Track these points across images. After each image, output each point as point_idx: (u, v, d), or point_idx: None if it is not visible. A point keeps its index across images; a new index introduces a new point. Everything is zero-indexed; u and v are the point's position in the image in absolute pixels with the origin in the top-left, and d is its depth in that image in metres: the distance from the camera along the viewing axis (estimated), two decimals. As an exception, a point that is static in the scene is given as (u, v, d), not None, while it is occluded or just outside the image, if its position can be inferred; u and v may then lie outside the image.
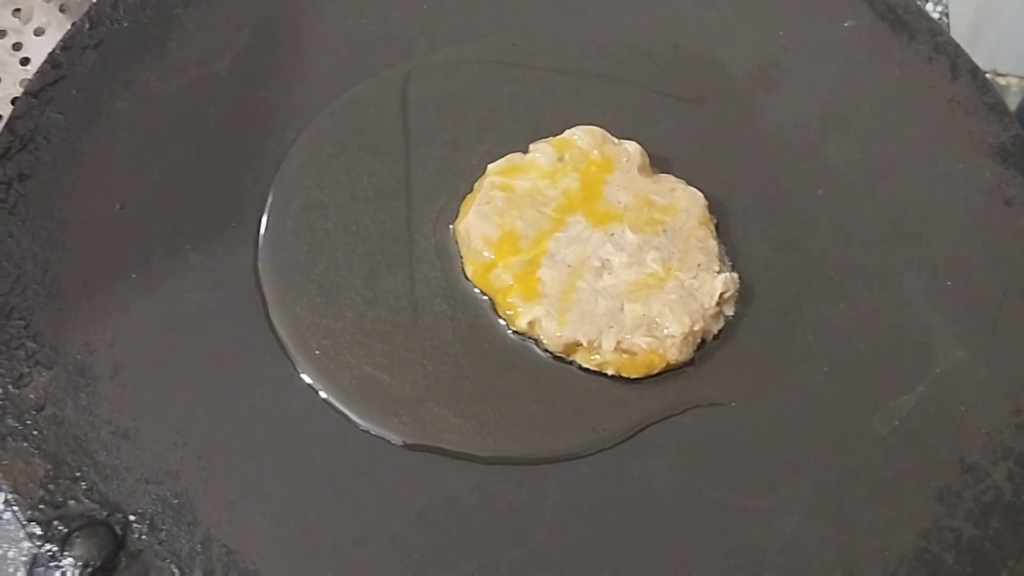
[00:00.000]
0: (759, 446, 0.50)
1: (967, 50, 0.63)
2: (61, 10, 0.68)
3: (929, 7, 0.77)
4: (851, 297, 0.55)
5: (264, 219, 0.55)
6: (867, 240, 0.57)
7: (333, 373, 0.51)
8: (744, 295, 0.54)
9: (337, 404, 0.50)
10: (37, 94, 0.56)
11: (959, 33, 0.76)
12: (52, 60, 0.58)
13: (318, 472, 0.48)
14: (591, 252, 0.53)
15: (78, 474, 0.46)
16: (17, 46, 0.68)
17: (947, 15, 0.78)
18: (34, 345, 0.49)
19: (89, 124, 0.57)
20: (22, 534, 0.51)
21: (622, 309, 0.52)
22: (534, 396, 0.51)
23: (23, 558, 0.51)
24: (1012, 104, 0.73)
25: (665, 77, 0.62)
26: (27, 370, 0.49)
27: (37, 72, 0.57)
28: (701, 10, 0.64)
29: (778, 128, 0.61)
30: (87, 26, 0.59)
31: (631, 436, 0.50)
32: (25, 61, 0.67)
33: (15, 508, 0.45)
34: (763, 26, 0.64)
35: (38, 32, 0.68)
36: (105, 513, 0.45)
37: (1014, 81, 0.81)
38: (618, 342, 0.51)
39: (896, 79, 0.62)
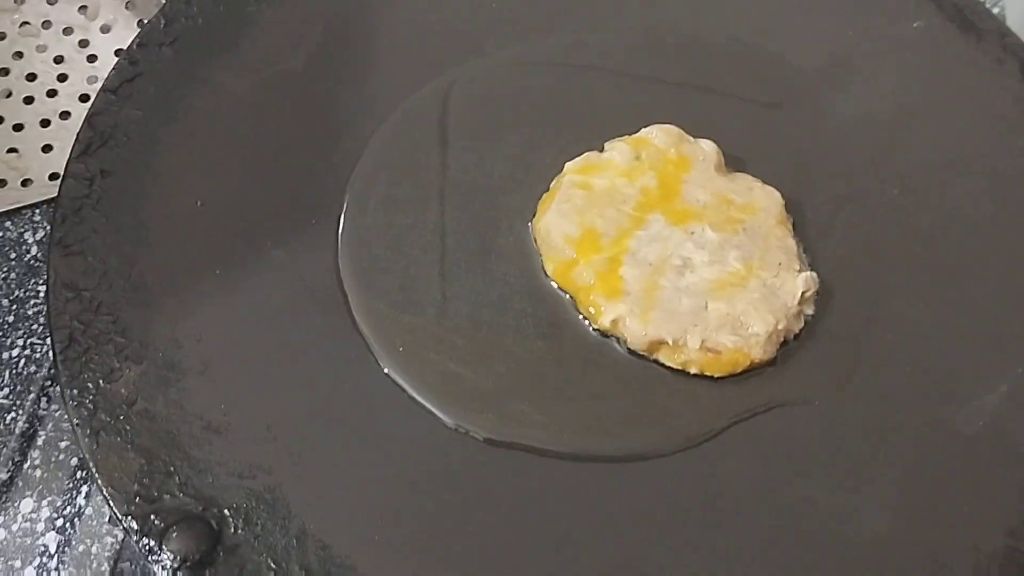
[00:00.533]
0: (843, 444, 0.50)
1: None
2: (127, 7, 0.68)
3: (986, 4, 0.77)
4: (929, 295, 0.55)
5: (343, 216, 0.55)
6: (943, 238, 0.57)
7: (416, 369, 0.51)
8: (822, 294, 0.54)
9: (421, 400, 0.50)
10: (116, 90, 0.57)
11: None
12: (129, 56, 0.58)
13: (405, 466, 0.48)
14: (672, 250, 0.53)
15: (171, 468, 0.46)
16: (84, 43, 0.68)
17: (1004, 16, 0.78)
18: (122, 340, 0.50)
19: (167, 121, 0.57)
20: (104, 529, 0.52)
21: (706, 307, 0.52)
22: (617, 394, 0.51)
23: (106, 553, 0.51)
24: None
25: (734, 76, 0.62)
26: (117, 365, 0.49)
27: (114, 68, 0.58)
28: (769, 9, 0.65)
29: (850, 127, 0.61)
30: (162, 23, 0.59)
31: (715, 435, 0.50)
32: (92, 58, 0.67)
33: (111, 503, 0.45)
34: (832, 25, 0.64)
35: (104, 29, 0.68)
36: (200, 507, 0.45)
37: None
38: (703, 340, 0.51)
39: (966, 79, 0.62)
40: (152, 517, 0.45)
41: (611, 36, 0.63)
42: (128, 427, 0.47)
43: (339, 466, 0.48)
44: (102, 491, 0.46)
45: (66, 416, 0.53)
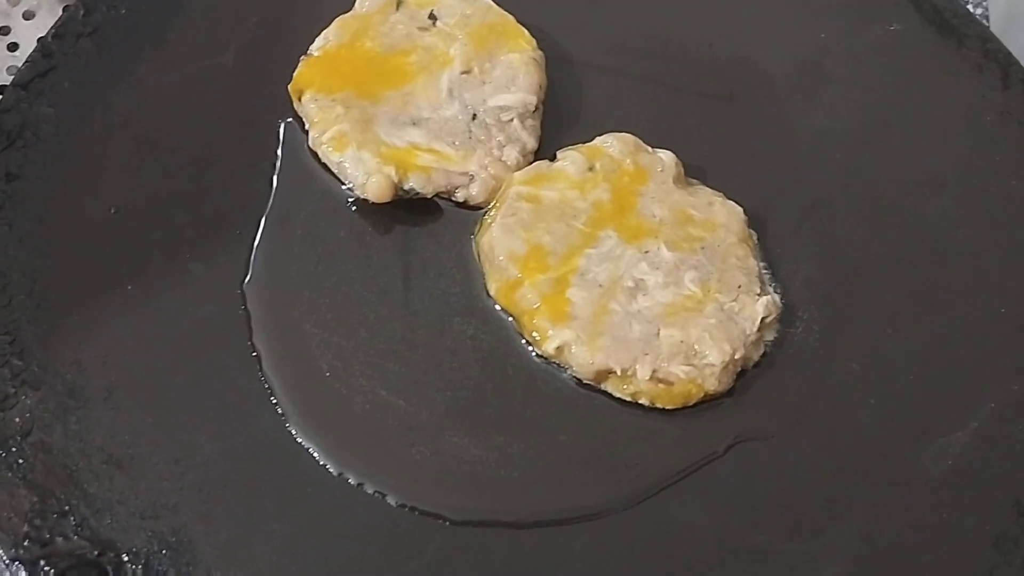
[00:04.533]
0: (803, 484, 0.47)
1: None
2: (53, -8, 0.64)
3: (969, 7, 0.73)
4: (899, 322, 0.51)
5: (264, 225, 0.51)
6: (915, 260, 0.53)
7: (344, 397, 0.47)
8: (784, 318, 0.51)
9: (346, 437, 0.46)
10: (27, 86, 0.52)
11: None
12: (43, 49, 0.54)
13: (325, 510, 0.44)
14: (624, 271, 0.49)
15: (67, 508, 0.43)
16: (4, 30, 0.63)
17: (987, 17, 0.74)
18: (20, 363, 0.46)
19: (82, 120, 0.53)
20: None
21: (658, 334, 0.48)
22: (562, 427, 0.47)
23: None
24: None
25: (700, 79, 0.58)
26: (12, 391, 0.45)
27: (27, 62, 0.53)
28: (739, 9, 0.61)
29: (819, 137, 0.57)
30: (81, 12, 0.55)
31: (668, 485, 0.46)
32: (13, 47, 0.63)
33: (-3, 545, 0.41)
34: (804, 28, 0.60)
35: (27, 15, 0.64)
36: (96, 552, 0.42)
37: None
38: (654, 371, 0.47)
39: (944, 87, 0.59)
40: (42, 563, 0.41)
41: (576, 34, 0.59)
42: (21, 460, 0.43)
43: (253, 507, 0.44)
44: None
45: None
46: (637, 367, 0.47)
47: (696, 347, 0.48)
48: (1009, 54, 0.59)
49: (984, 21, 0.74)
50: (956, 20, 0.60)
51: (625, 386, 0.48)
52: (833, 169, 0.56)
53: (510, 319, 0.50)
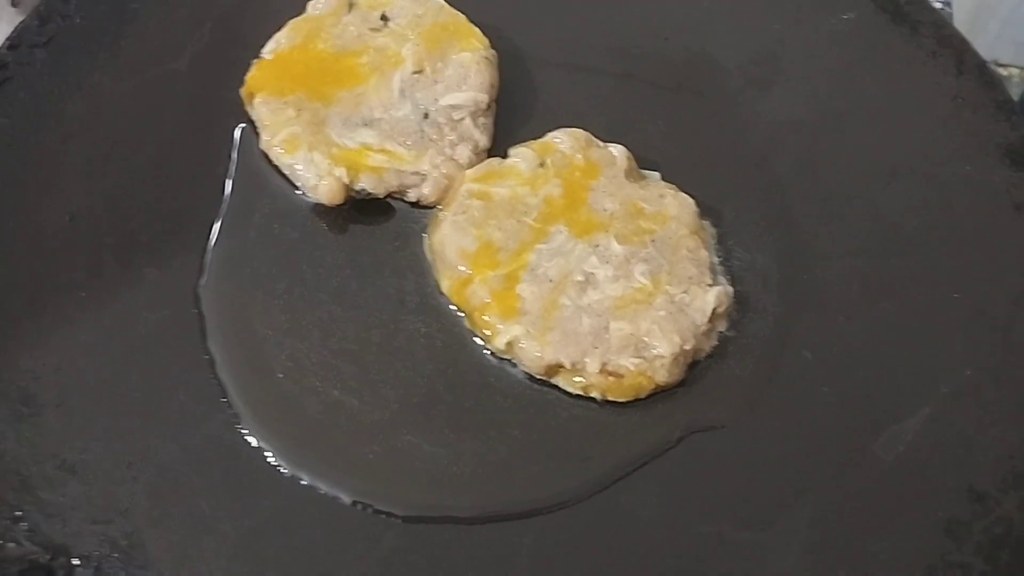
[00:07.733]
0: (755, 474, 0.47)
1: (967, 39, 0.60)
2: (13, 4, 0.64)
3: (931, -3, 0.73)
4: (852, 310, 0.51)
5: (220, 229, 0.52)
6: (868, 248, 0.53)
7: (297, 398, 0.47)
8: (738, 308, 0.51)
9: (301, 437, 0.47)
10: (-19, 96, 0.53)
11: (959, 22, 0.72)
12: (-2, 60, 0.54)
13: (277, 510, 0.45)
14: (574, 265, 0.50)
15: (18, 513, 0.43)
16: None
17: (949, 4, 0.74)
18: (-28, 371, 0.46)
19: (38, 129, 0.53)
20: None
21: (607, 328, 0.48)
22: (514, 422, 0.48)
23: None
24: (1014, 96, 0.70)
25: (656, 73, 0.59)
26: (-36, 399, 0.45)
27: (-19, 73, 0.54)
28: (694, 2, 0.61)
29: (774, 127, 0.57)
30: (36, 22, 0.56)
31: (620, 478, 0.46)
32: (-25, 58, 0.63)
33: (-50, 552, 0.42)
34: (758, 18, 0.61)
35: (-11, 28, 0.64)
36: (48, 557, 0.42)
37: (1015, 72, 0.78)
38: (603, 364, 0.47)
39: (898, 75, 0.59)
40: (-7, 568, 0.41)
41: (529, 30, 0.59)
42: (-27, 468, 0.44)
43: (204, 509, 0.44)
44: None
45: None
46: (587, 360, 0.47)
47: (645, 339, 0.48)
48: (964, 40, 0.60)
49: (946, 8, 0.74)
50: (910, 7, 0.60)
51: (576, 380, 0.48)
52: (788, 159, 0.56)
53: (462, 316, 0.50)
